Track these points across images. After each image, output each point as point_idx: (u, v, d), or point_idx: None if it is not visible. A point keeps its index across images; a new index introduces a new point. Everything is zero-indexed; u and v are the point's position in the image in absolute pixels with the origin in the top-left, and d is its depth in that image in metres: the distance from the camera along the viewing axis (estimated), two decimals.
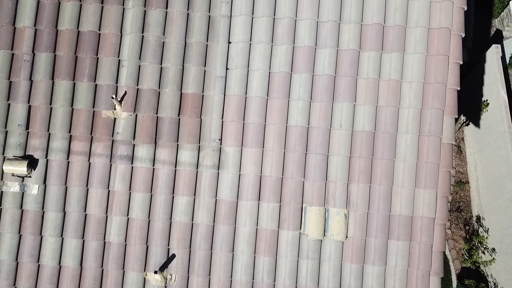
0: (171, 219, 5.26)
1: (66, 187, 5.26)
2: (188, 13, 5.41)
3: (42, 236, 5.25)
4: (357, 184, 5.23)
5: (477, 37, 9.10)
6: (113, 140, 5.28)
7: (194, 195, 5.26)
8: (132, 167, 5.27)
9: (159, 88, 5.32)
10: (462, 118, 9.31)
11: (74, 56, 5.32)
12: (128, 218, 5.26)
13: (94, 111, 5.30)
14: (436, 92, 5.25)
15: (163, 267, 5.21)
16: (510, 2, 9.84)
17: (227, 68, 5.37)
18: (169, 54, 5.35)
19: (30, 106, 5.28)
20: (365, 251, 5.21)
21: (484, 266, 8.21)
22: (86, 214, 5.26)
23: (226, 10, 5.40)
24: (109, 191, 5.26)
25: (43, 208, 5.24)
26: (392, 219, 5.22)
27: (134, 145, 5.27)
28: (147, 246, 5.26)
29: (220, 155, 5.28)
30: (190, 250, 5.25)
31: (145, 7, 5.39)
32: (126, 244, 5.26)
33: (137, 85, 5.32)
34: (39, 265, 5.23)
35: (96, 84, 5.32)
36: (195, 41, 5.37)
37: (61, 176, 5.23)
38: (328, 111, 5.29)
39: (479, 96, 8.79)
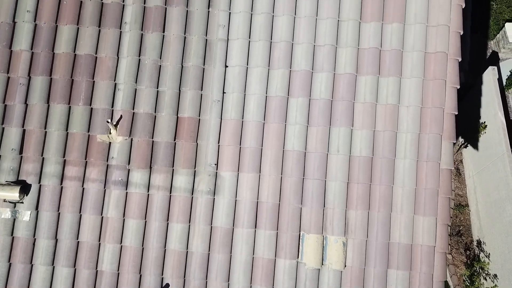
0: (165, 247, 5.13)
1: (59, 213, 5.14)
2: (185, 37, 5.40)
3: (32, 265, 5.10)
4: (355, 210, 5.13)
5: (473, 59, 9.15)
6: (107, 165, 5.19)
7: (189, 222, 5.14)
8: (127, 192, 5.17)
9: (155, 112, 5.27)
10: (460, 140, 9.27)
11: (70, 80, 5.28)
12: (122, 246, 5.13)
13: (89, 135, 5.23)
14: (434, 117, 5.21)
15: None
16: (505, 24, 9.95)
17: (223, 92, 5.33)
18: (165, 78, 5.32)
19: (24, 130, 5.20)
20: (364, 281, 5.07)
21: None
22: (78, 242, 5.13)
23: (223, 34, 5.40)
24: (102, 217, 5.15)
25: (34, 235, 5.11)
26: (391, 247, 5.10)
27: (129, 170, 5.19)
28: (140, 276, 5.11)
29: (216, 180, 5.20)
30: (184, 280, 5.10)
31: (142, 30, 5.39)
32: (118, 273, 5.11)
33: (133, 109, 5.27)
34: None
35: (91, 108, 5.27)
36: (192, 65, 5.35)
37: (54, 202, 5.12)
38: (325, 136, 5.23)
39: (476, 118, 8.78)
